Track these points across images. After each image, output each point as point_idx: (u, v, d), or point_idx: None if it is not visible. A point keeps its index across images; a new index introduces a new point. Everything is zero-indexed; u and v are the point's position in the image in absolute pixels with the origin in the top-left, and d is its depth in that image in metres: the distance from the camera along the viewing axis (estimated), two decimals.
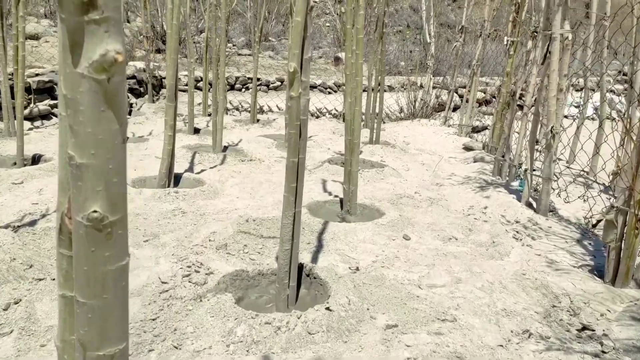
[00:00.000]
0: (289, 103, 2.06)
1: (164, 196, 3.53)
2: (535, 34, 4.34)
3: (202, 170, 4.34)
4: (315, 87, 10.71)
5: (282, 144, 5.65)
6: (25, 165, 4.29)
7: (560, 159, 3.86)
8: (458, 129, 6.64)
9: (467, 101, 6.52)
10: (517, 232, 3.24)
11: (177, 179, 3.98)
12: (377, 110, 5.80)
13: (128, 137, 5.50)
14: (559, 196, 3.85)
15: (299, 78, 2.02)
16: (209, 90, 8.24)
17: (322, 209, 3.57)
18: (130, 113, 7.13)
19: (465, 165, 5.15)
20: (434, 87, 10.10)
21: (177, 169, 4.38)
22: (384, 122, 7.85)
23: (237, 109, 8.38)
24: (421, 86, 8.35)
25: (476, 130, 7.04)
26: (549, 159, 3.60)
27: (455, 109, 8.52)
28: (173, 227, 3.08)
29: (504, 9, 7.09)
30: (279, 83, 10.24)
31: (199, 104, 8.18)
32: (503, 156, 4.61)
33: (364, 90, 7.92)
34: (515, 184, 4.35)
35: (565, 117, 6.27)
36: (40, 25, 12.77)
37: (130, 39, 10.42)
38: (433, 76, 11.64)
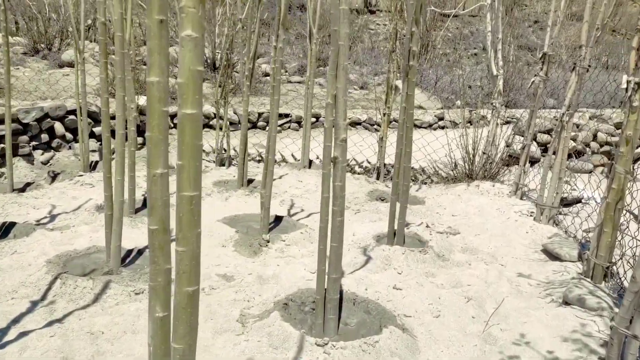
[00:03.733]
0: None
1: None
2: None
3: None
4: (360, 124, 8.37)
5: (247, 237, 3.37)
6: None
7: None
8: (536, 210, 4.05)
9: (554, 154, 3.93)
10: None
11: None
12: (401, 177, 3.34)
13: (15, 223, 3.42)
14: None
15: None
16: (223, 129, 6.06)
17: None
18: (92, 167, 5.11)
19: (548, 309, 2.62)
20: (505, 123, 7.48)
21: None
22: (429, 183, 5.36)
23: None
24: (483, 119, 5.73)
25: (564, 203, 4.41)
26: None
27: (532, 163, 5.87)
28: None
29: (611, 28, 4.48)
30: (313, 119, 7.98)
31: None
32: (631, 321, 2.08)
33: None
34: None
35: None
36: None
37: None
38: (507, 107, 8.94)
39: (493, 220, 4.03)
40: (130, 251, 2.97)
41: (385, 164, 5.49)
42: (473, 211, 4.26)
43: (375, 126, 8.34)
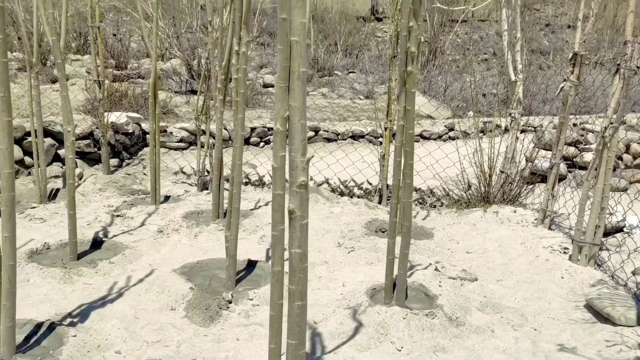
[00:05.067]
0: None
1: None
2: None
3: None
4: (363, 137, 7.57)
5: (205, 295, 2.57)
6: None
7: None
8: (572, 247, 3.19)
9: (595, 169, 3.05)
10: None
11: None
12: (400, 215, 2.49)
13: None
14: None
15: None
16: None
17: None
18: (52, 195, 4.36)
19: None
20: (520, 132, 6.65)
21: None
22: (439, 207, 4.53)
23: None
24: (505, 130, 4.86)
25: (606, 232, 3.54)
26: None
27: (560, 179, 5.01)
28: None
29: None
30: (312, 133, 7.21)
31: (181, 172, 5.27)
32: None
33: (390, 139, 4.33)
34: None
35: None
36: (71, 65, 10.62)
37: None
38: (525, 115, 8.15)
39: (518, 260, 3.19)
40: (39, 325, 2.19)
41: (388, 185, 4.68)
42: (492, 246, 3.43)
43: (380, 139, 7.54)
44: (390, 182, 4.75)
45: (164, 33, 10.21)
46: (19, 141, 4.58)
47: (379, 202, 4.65)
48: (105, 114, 5.08)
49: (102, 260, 3.01)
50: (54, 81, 9.90)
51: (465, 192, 4.50)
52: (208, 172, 4.97)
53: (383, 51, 16.91)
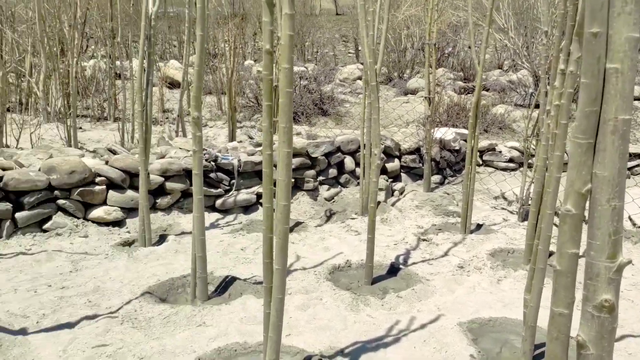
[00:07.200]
0: None
1: None
2: None
3: None
4: None
5: None
6: None
7: None
8: None
9: None
10: None
11: None
12: None
13: (235, 279, 2.97)
14: None
15: None
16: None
17: None
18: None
19: None
20: None
21: None
22: None
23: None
24: None
25: None
26: None
27: None
28: None
29: None
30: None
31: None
32: None
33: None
34: None
35: None
36: (423, 79, 11.07)
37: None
38: None
39: None
40: (308, 359, 2.11)
41: None
42: None
43: None
44: None
45: (513, 44, 9.60)
46: (352, 153, 4.87)
47: None
48: (433, 130, 4.94)
49: (391, 292, 2.82)
50: (405, 93, 10.50)
51: None
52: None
53: None
